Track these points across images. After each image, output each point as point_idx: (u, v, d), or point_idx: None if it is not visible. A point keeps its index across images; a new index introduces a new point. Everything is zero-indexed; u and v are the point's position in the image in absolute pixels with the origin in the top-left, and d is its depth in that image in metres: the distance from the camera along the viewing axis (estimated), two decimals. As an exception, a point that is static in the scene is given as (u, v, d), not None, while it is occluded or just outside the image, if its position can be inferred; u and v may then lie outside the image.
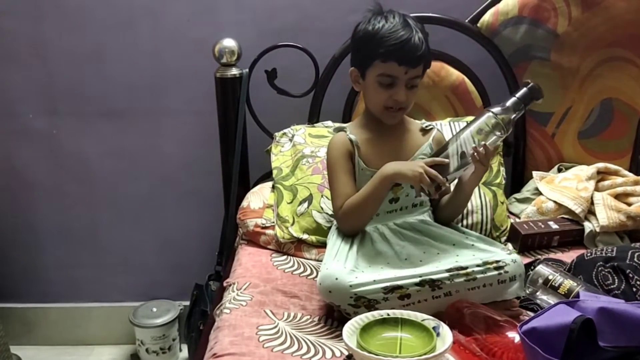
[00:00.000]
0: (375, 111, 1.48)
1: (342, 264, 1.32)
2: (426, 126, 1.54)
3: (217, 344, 1.23)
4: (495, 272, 1.28)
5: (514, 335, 1.10)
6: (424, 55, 1.41)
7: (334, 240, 1.44)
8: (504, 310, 1.29)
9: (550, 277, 1.31)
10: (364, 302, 1.25)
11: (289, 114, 1.98)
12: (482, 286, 1.28)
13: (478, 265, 1.29)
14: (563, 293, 1.27)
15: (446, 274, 1.27)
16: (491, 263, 1.29)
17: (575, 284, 1.28)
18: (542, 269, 1.34)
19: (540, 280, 1.33)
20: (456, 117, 1.93)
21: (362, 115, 1.56)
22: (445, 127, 1.78)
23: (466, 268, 1.28)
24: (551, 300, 1.30)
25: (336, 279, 1.26)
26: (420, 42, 1.40)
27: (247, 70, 1.92)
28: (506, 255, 1.32)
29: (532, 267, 1.38)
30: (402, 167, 1.38)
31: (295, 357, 1.19)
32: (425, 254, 1.38)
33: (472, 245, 1.38)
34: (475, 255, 1.33)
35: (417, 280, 1.27)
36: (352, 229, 1.45)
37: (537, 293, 1.33)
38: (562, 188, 1.78)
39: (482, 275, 1.28)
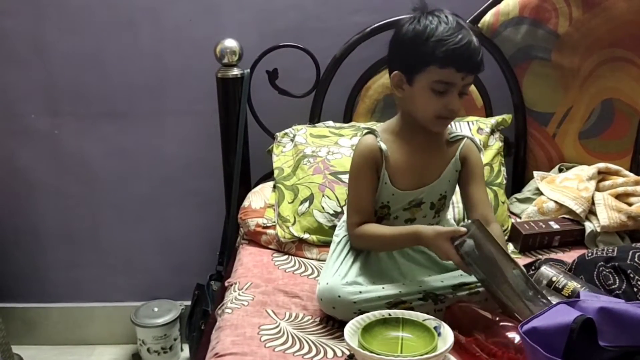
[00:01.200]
0: (423, 119, 1.33)
1: (343, 279, 1.30)
2: (452, 137, 1.41)
3: (219, 344, 1.23)
4: None
5: (514, 336, 1.10)
6: (482, 61, 1.29)
7: (337, 253, 1.40)
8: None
9: (554, 279, 1.30)
10: None
11: (290, 114, 1.98)
12: (484, 300, 1.28)
13: None
14: (567, 294, 1.26)
15: (449, 290, 1.28)
16: None
17: (579, 285, 1.27)
18: (546, 270, 1.33)
19: (544, 282, 1.31)
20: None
21: (397, 120, 1.41)
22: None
23: (470, 284, 1.29)
24: (554, 301, 1.29)
25: (339, 296, 1.26)
26: (479, 46, 1.27)
27: (249, 70, 1.92)
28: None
29: (534, 268, 1.38)
30: (434, 248, 1.29)
31: (297, 357, 1.19)
32: (429, 277, 1.34)
33: None
34: None
35: (420, 295, 1.27)
36: (363, 249, 1.40)
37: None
38: (563, 188, 1.78)
39: (484, 290, 1.28)
